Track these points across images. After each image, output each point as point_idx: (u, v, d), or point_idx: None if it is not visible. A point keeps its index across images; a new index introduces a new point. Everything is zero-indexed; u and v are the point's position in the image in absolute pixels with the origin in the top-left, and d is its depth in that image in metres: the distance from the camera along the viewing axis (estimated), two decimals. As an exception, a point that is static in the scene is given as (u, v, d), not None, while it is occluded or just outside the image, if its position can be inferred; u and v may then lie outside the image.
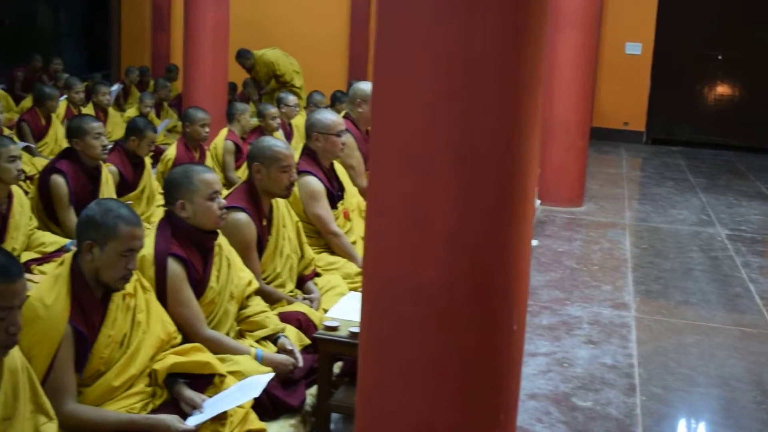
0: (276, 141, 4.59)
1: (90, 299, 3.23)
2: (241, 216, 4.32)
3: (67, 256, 3.29)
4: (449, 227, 2.38)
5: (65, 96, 10.00)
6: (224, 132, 8.05)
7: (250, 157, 4.52)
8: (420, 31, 2.27)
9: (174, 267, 3.70)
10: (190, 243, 3.80)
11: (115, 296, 3.33)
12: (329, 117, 5.35)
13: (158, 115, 11.05)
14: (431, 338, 2.48)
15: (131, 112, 10.61)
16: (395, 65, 2.34)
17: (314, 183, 5.14)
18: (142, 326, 3.42)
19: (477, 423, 2.56)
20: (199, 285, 3.82)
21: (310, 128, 5.33)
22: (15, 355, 2.72)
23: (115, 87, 12.21)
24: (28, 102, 11.05)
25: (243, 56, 12.37)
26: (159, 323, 3.49)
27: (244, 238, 4.33)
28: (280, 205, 4.69)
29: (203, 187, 3.80)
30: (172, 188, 3.83)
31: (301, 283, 4.80)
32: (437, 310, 2.45)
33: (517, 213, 2.46)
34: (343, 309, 4.12)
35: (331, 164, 5.45)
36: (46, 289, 3.16)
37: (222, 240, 4.00)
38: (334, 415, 3.98)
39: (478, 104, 2.30)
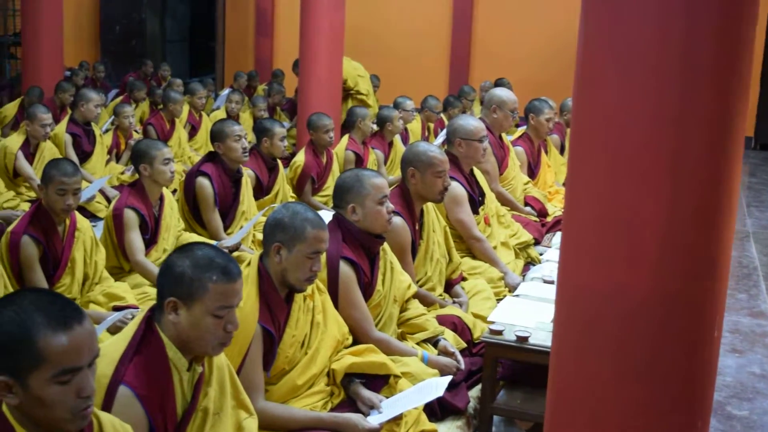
0: (431, 146, 4.66)
1: (276, 300, 3.33)
2: (397, 220, 4.39)
3: (254, 258, 3.40)
4: (659, 236, 2.39)
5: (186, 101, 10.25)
6: (345, 140, 8.12)
7: (405, 161, 4.59)
8: (633, 45, 2.29)
9: (346, 270, 3.79)
10: (359, 246, 3.89)
11: (296, 297, 3.43)
12: (472, 123, 5.40)
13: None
14: (630, 345, 2.48)
15: (245, 116, 10.83)
16: (605, 78, 2.35)
17: (457, 188, 5.19)
18: (321, 327, 3.51)
19: (672, 430, 2.56)
20: (368, 288, 3.90)
21: (453, 134, 5.39)
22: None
23: (225, 92, 12.48)
24: (144, 107, 11.39)
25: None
26: (335, 324, 3.58)
27: (400, 242, 4.40)
28: (430, 209, 4.75)
29: (374, 192, 3.88)
30: (343, 192, 3.92)
31: (449, 287, 4.85)
32: (641, 317, 2.45)
33: (722, 221, 2.46)
34: (503, 313, 4.15)
35: (471, 170, 5.49)
36: (237, 290, 3.27)
37: (385, 244, 4.08)
38: (496, 418, 4.02)
39: (690, 114, 2.30)
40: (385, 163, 8.40)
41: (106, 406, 2.43)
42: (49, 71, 10.30)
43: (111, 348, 2.60)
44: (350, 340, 3.70)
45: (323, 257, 3.75)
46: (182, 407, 2.64)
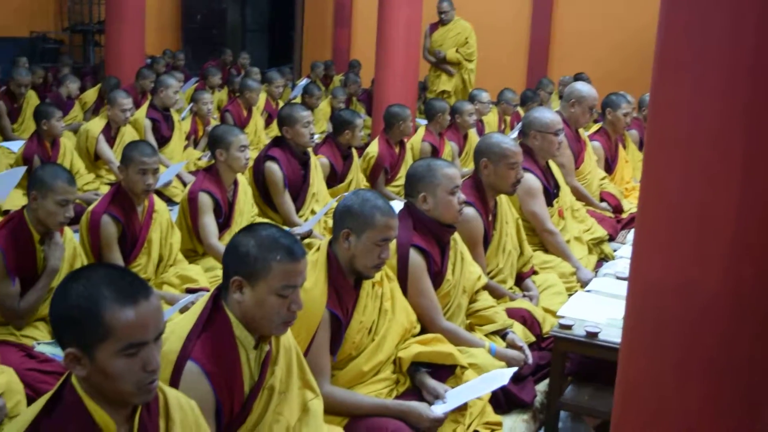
0: (505, 137, 4.62)
1: (345, 285, 3.34)
2: (470, 211, 4.37)
3: (323, 243, 3.42)
4: (730, 231, 2.33)
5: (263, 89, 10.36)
6: (421, 131, 8.10)
7: (478, 152, 4.56)
8: (707, 41, 2.24)
9: (415, 258, 3.79)
10: (430, 235, 3.88)
11: (365, 284, 3.43)
12: (548, 116, 5.34)
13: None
14: (700, 341, 2.43)
15: (322, 105, 10.90)
16: (680, 75, 2.31)
17: (532, 180, 5.14)
18: (389, 314, 3.51)
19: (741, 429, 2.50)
20: (437, 277, 3.89)
21: (528, 126, 5.34)
22: (288, 333, 2.85)
23: (303, 81, 12.59)
24: (223, 95, 11.55)
25: (441, 8, 11.02)
26: (403, 312, 3.58)
27: (472, 233, 4.38)
28: (503, 201, 4.71)
29: (446, 182, 3.87)
30: (415, 181, 3.91)
31: (519, 280, 4.81)
32: (712, 313, 2.40)
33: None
34: (574, 308, 4.10)
35: (547, 162, 5.43)
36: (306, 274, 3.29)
37: (455, 234, 4.06)
38: (563, 413, 3.97)
39: (762, 111, 2.24)
40: (460, 155, 8.36)
41: (174, 382, 2.47)
42: (130, 58, 10.50)
43: (180, 325, 2.64)
44: (418, 328, 3.70)
45: (393, 245, 3.75)
46: (249, 385, 2.67)
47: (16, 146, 7.95)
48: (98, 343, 1.93)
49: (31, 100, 9.62)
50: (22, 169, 5.82)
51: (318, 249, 3.41)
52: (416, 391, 3.47)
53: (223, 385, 2.58)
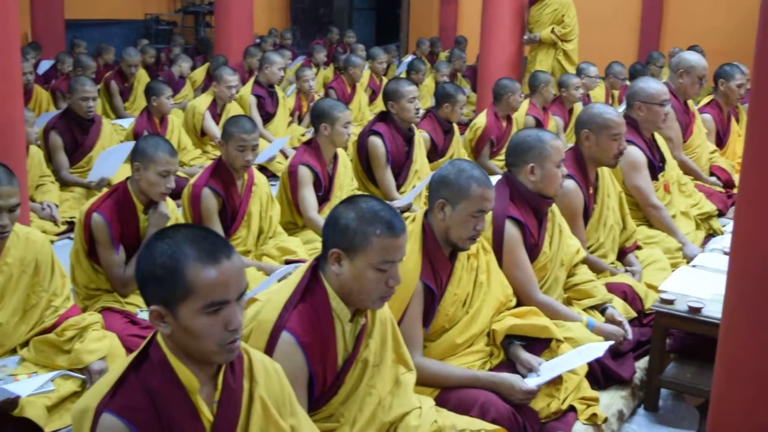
0: (608, 108, 4.49)
1: (439, 257, 3.31)
2: (570, 183, 4.27)
3: (418, 214, 3.39)
4: None
5: (367, 65, 10.38)
6: (525, 105, 7.99)
7: (579, 123, 4.45)
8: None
9: (511, 229, 3.72)
10: (527, 207, 3.81)
11: (460, 256, 3.39)
12: (653, 86, 5.16)
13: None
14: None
15: (427, 81, 10.85)
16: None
17: (636, 153, 4.98)
18: (484, 287, 3.47)
19: None
20: (534, 249, 3.82)
21: (633, 96, 5.18)
22: (384, 306, 2.83)
23: (408, 58, 12.56)
24: (328, 72, 11.62)
25: None
26: (498, 285, 3.53)
27: (572, 206, 4.28)
28: (605, 174, 4.59)
29: (554, 154, 3.79)
30: (523, 151, 3.82)
31: (622, 255, 4.68)
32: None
33: None
34: (676, 282, 3.97)
35: (652, 135, 5.26)
36: (401, 245, 3.27)
37: (554, 206, 3.98)
38: (663, 391, 3.85)
39: None
40: (565, 130, 8.20)
41: (268, 351, 2.48)
42: (238, 38, 10.68)
43: (277, 294, 2.66)
44: (514, 301, 3.64)
45: (488, 216, 3.69)
46: (343, 357, 2.67)
47: (127, 123, 8.21)
48: (181, 300, 1.95)
49: (142, 79, 9.90)
50: (130, 144, 5.98)
51: (413, 220, 3.39)
52: (510, 364, 3.42)
53: (317, 357, 2.58)
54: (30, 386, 3.26)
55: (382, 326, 2.79)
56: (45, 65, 11.25)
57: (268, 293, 2.76)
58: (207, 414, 2.05)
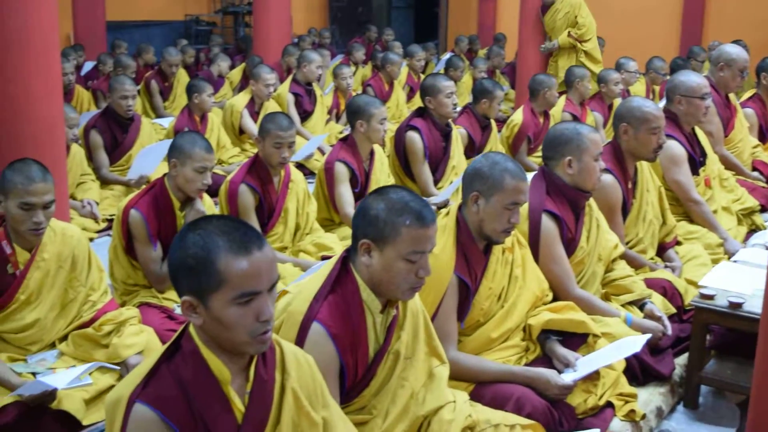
0: (646, 101, 4.43)
1: (474, 250, 3.29)
2: (608, 178, 4.22)
3: (452, 208, 3.37)
4: None
5: (405, 63, 10.38)
6: (562, 101, 7.90)
7: (618, 117, 4.40)
8: None
9: (548, 223, 3.69)
10: (564, 201, 3.77)
11: (495, 249, 3.37)
12: (693, 79, 5.09)
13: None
14: None
15: (464, 79, 10.81)
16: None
17: (676, 147, 4.92)
18: (519, 281, 3.44)
19: None
20: (570, 244, 3.78)
21: (673, 90, 5.11)
22: (416, 298, 2.82)
23: (447, 56, 12.51)
24: (366, 71, 11.63)
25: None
26: (534, 279, 3.50)
27: (610, 201, 4.23)
28: (644, 168, 4.53)
29: (592, 147, 3.75)
30: (560, 144, 3.78)
31: (662, 250, 4.62)
32: None
33: None
34: (717, 278, 3.90)
35: (693, 129, 5.19)
36: (434, 239, 3.25)
37: (591, 200, 3.93)
38: (703, 388, 3.79)
39: None
40: (604, 126, 8.12)
41: (299, 342, 2.48)
42: (277, 37, 10.72)
43: (307, 286, 2.66)
44: (550, 296, 3.60)
45: (524, 210, 3.66)
46: (374, 349, 2.66)
47: (167, 122, 8.28)
48: (212, 291, 1.96)
49: (182, 78, 9.98)
50: (169, 143, 6.01)
51: (447, 214, 3.37)
52: (546, 360, 3.39)
53: (347, 348, 2.58)
54: (66, 378, 3.29)
55: (413, 318, 2.77)
56: (87, 66, 11.39)
57: (299, 285, 2.76)
58: (239, 405, 2.05)
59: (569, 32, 9.18)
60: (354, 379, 2.62)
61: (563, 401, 3.21)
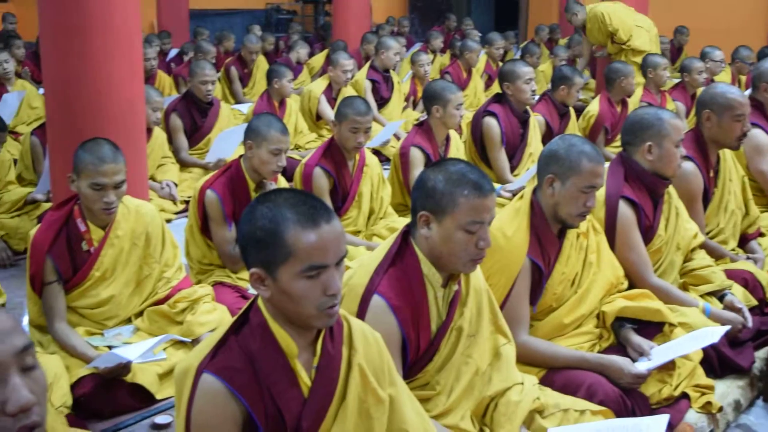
0: (731, 88, 4.30)
1: (548, 234, 3.24)
2: (689, 165, 4.11)
3: (527, 190, 3.33)
4: None
5: (484, 51, 10.32)
6: (639, 91, 7.72)
7: (701, 103, 4.28)
8: None
9: (625, 210, 3.61)
10: (642, 187, 3.69)
11: (569, 234, 3.31)
12: (781, 66, 4.93)
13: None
14: None
15: (544, 67, 10.68)
16: None
17: (761, 136, 4.77)
18: (593, 267, 3.37)
19: None
20: (648, 231, 3.69)
21: (759, 78, 4.98)
22: (479, 275, 2.79)
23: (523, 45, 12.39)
24: (445, 59, 11.57)
25: (569, 10, 9.53)
26: (609, 266, 3.43)
27: (691, 189, 4.12)
28: (727, 157, 4.40)
29: (674, 133, 3.66)
30: (641, 130, 3.70)
31: (744, 241, 4.49)
32: None
33: None
34: (801, 270, 3.78)
35: (779, 118, 5.03)
36: (507, 221, 3.22)
37: (671, 188, 3.84)
38: (784, 384, 3.68)
39: None
40: (687, 115, 7.92)
41: (360, 315, 2.48)
42: (356, 25, 10.77)
43: (369, 260, 2.66)
44: (625, 284, 3.53)
45: (601, 197, 3.59)
46: (436, 324, 2.64)
47: (246, 108, 8.37)
48: (280, 263, 1.96)
49: (261, 65, 10.07)
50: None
51: (521, 196, 3.33)
52: (620, 348, 3.31)
53: (409, 321, 2.57)
54: (140, 350, 3.35)
55: (477, 296, 2.75)
56: (171, 53, 11.62)
57: (360, 260, 2.76)
58: (305, 379, 2.06)
59: (612, 39, 8.91)
60: (416, 354, 2.61)
61: (637, 390, 3.14)
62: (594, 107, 7.17)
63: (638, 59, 8.49)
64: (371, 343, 2.20)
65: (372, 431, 2.12)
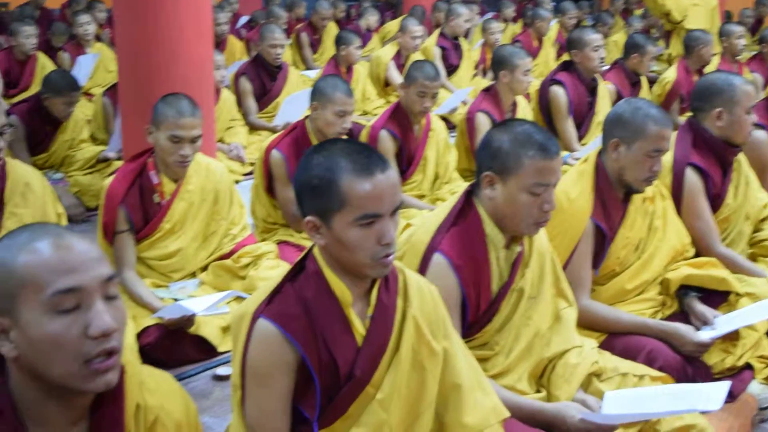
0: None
1: (612, 198, 3.19)
2: (761, 134, 4.01)
3: (592, 154, 3.28)
4: None
5: (556, 20, 10.18)
6: (716, 60, 7.51)
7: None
8: None
9: (692, 177, 3.54)
10: (711, 154, 3.61)
11: (635, 199, 3.26)
12: None
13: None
14: None
15: (617, 37, 10.49)
16: None
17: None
18: (659, 233, 3.32)
19: None
20: (716, 200, 3.62)
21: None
22: (543, 238, 2.77)
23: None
24: (516, 28, 11.46)
25: None
26: (675, 233, 3.37)
27: (763, 158, 4.02)
28: (804, 127, 4.28)
29: (745, 99, 3.56)
30: (710, 95, 3.61)
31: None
32: None
33: None
34: None
35: None
36: (571, 183, 3.18)
37: (741, 156, 3.75)
38: None
39: None
40: (764, 87, 7.72)
41: (421, 272, 2.48)
42: (428, -7, 10.73)
43: (431, 218, 2.66)
44: (691, 252, 3.47)
45: (668, 163, 3.53)
46: (497, 284, 2.63)
47: (314, 74, 8.41)
48: (335, 211, 1.97)
49: (331, 32, 10.09)
50: (312, 90, 6.12)
51: (586, 159, 3.29)
52: (683, 316, 3.25)
53: (469, 280, 2.56)
54: (204, 303, 3.41)
55: (540, 258, 2.72)
56: (242, 20, 11.72)
57: (423, 218, 2.76)
58: (359, 328, 2.07)
59: (667, 18, 8.70)
60: (476, 313, 2.60)
61: (699, 359, 3.09)
62: (671, 74, 7.01)
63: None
64: (426, 295, 2.20)
65: (425, 383, 2.13)
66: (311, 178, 2.00)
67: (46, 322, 1.48)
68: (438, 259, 2.53)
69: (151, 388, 1.71)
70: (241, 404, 2.05)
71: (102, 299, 1.52)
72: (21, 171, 3.38)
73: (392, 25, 11.11)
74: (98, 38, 9.04)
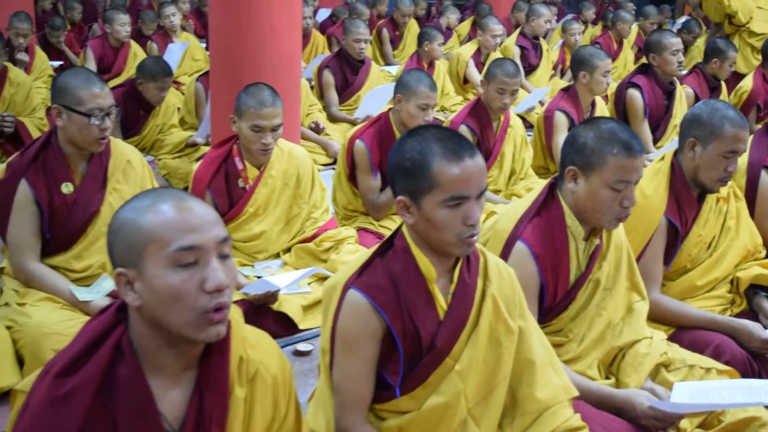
0: None
1: (686, 196, 3.28)
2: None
3: (668, 152, 3.37)
4: None
5: (636, 23, 10.13)
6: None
7: None
8: None
9: (766, 180, 3.62)
10: (787, 158, 3.67)
11: (708, 198, 3.34)
12: None
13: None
14: None
15: (700, 42, 10.39)
16: None
17: None
18: (731, 233, 3.39)
19: None
20: (790, 203, 3.67)
21: None
22: (620, 232, 2.87)
23: (682, 19, 12.06)
24: (596, 30, 11.46)
25: None
26: (747, 233, 3.44)
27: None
28: None
29: None
30: None
31: None
32: None
33: None
34: None
35: None
36: (647, 180, 3.26)
37: (818, 161, 3.79)
38: None
39: None
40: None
41: (503, 259, 2.61)
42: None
43: (514, 208, 2.79)
44: (763, 253, 3.52)
45: (743, 164, 3.60)
46: (575, 274, 2.74)
47: (395, 70, 8.57)
48: (425, 192, 2.12)
49: (412, 29, 10.26)
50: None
51: (663, 158, 3.37)
52: (752, 315, 3.33)
53: (549, 269, 2.68)
54: (287, 279, 3.58)
55: (617, 251, 2.83)
56: (323, 13, 11.94)
57: (507, 207, 2.88)
58: (442, 303, 2.22)
59: (730, 21, 8.42)
60: (553, 301, 2.72)
61: (766, 356, 3.16)
62: (747, 83, 6.97)
63: (754, 41, 8.19)
64: (505, 276, 2.34)
65: (500, 357, 2.27)
66: (404, 161, 2.16)
67: (168, 275, 1.65)
68: (520, 247, 2.66)
69: (253, 343, 1.88)
70: (329, 367, 2.22)
71: (217, 258, 1.70)
72: (123, 149, 3.58)
73: (465, 25, 11.22)
74: (182, 28, 9.34)
